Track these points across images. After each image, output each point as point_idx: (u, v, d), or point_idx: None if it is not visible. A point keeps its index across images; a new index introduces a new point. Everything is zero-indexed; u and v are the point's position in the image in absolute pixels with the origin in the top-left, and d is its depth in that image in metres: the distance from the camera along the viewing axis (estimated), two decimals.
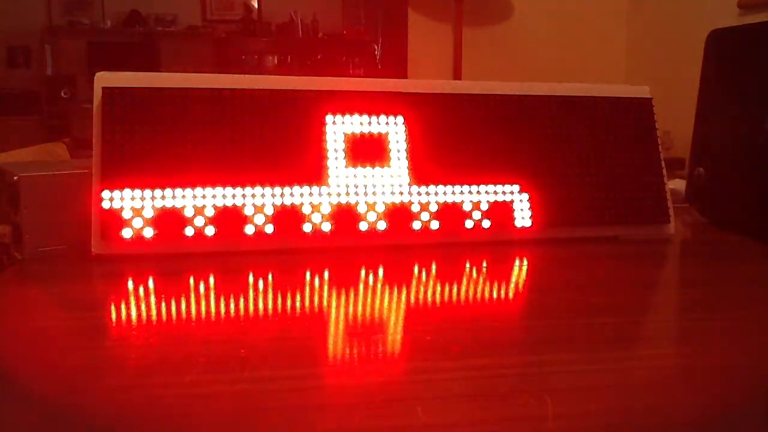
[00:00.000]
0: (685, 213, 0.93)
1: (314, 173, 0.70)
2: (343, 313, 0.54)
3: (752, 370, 0.44)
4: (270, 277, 0.63)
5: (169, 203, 0.66)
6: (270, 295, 0.58)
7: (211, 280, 0.61)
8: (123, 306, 0.55)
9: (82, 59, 4.70)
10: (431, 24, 2.41)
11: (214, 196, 0.67)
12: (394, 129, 0.73)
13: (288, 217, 0.68)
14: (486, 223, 0.73)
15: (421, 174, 0.72)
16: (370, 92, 0.74)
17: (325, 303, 0.56)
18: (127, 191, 0.65)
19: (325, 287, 0.61)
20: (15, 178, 0.64)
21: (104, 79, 0.68)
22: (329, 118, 0.72)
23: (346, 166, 0.71)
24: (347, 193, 0.70)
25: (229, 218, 0.67)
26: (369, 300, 0.57)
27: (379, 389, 0.39)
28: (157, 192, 0.66)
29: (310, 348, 0.46)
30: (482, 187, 0.74)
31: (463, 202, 0.73)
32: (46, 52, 4.66)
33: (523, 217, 0.75)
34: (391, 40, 2.64)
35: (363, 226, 0.70)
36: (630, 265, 0.71)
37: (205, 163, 0.67)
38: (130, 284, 0.59)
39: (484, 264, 0.69)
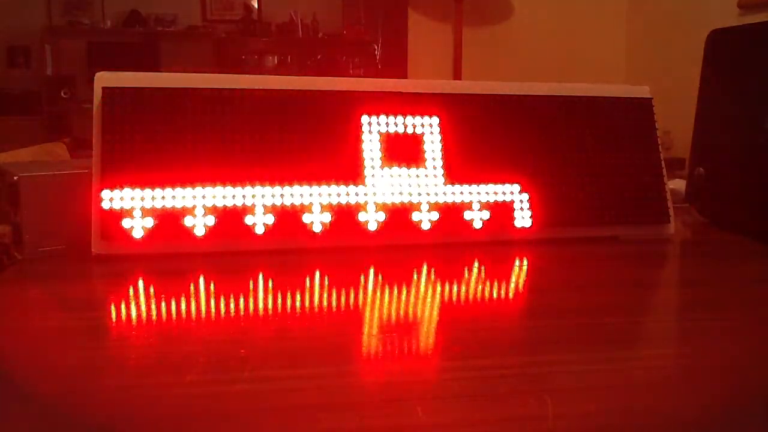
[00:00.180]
0: (685, 213, 0.93)
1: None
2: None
3: (752, 370, 0.44)
4: (270, 279, 0.63)
5: (169, 203, 0.66)
6: (270, 295, 0.58)
7: (211, 280, 0.61)
8: (123, 306, 0.55)
9: (82, 59, 4.69)
10: (431, 24, 2.42)
11: (214, 196, 0.67)
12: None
13: (288, 216, 0.68)
14: (486, 224, 0.73)
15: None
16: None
17: (325, 303, 0.56)
18: (127, 191, 0.65)
19: (325, 287, 0.60)
20: (15, 178, 0.64)
21: (104, 79, 0.68)
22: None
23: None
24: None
25: (230, 218, 0.67)
26: (369, 300, 0.57)
27: (379, 389, 0.39)
28: (157, 192, 0.66)
29: (310, 348, 0.46)
30: (482, 187, 0.74)
31: (462, 202, 0.73)
32: (46, 52, 4.66)
33: (523, 217, 0.75)
34: (391, 40, 2.64)
35: (363, 226, 0.70)
36: (630, 265, 0.71)
37: (205, 163, 0.67)
38: (130, 284, 0.59)
39: (484, 264, 0.69)
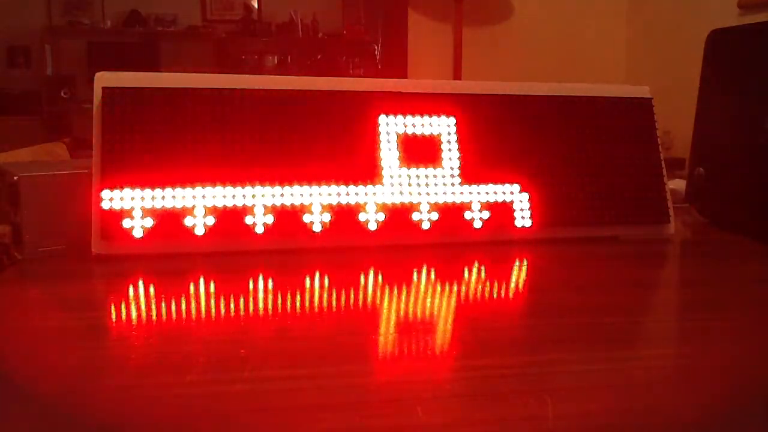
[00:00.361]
0: (685, 213, 0.93)
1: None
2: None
3: (752, 370, 0.44)
4: (270, 279, 0.63)
5: (169, 203, 0.66)
6: (270, 295, 0.58)
7: (211, 280, 0.61)
8: (123, 306, 0.55)
9: (82, 59, 4.69)
10: (431, 24, 2.42)
11: (214, 196, 0.67)
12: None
13: (287, 216, 0.68)
14: (486, 224, 0.73)
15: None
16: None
17: (325, 303, 0.56)
18: (127, 191, 0.65)
19: (325, 287, 0.61)
20: (15, 178, 0.64)
21: (104, 79, 0.68)
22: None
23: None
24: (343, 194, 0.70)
25: (230, 218, 0.67)
26: (369, 300, 0.57)
27: (379, 389, 0.39)
28: (157, 192, 0.66)
29: (310, 348, 0.46)
30: (482, 187, 0.74)
31: (462, 202, 0.73)
32: (46, 52, 4.66)
33: (523, 217, 0.75)
34: (391, 40, 2.64)
35: (363, 226, 0.70)
36: (630, 265, 0.71)
37: (205, 163, 0.67)
38: (130, 284, 0.59)
39: (484, 264, 0.69)
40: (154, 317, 0.51)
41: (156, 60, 4.81)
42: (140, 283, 0.60)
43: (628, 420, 0.36)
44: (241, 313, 0.53)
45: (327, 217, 0.69)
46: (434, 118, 0.74)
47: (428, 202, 0.72)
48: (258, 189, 0.68)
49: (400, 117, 0.73)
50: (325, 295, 0.58)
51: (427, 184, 0.73)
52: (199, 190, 0.67)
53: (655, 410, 0.37)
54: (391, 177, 0.72)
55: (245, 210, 0.67)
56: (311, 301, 0.56)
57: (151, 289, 0.58)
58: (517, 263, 0.70)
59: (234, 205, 0.67)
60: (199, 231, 0.66)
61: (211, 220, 0.66)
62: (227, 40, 4.95)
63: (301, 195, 0.69)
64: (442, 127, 0.74)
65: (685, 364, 0.46)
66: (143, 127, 0.67)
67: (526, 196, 0.75)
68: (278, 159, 0.69)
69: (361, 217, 0.70)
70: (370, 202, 0.71)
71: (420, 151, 0.73)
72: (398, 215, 0.71)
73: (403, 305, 0.56)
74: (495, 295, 0.59)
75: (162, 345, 0.46)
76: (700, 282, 0.66)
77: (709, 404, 0.39)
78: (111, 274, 0.63)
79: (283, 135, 0.70)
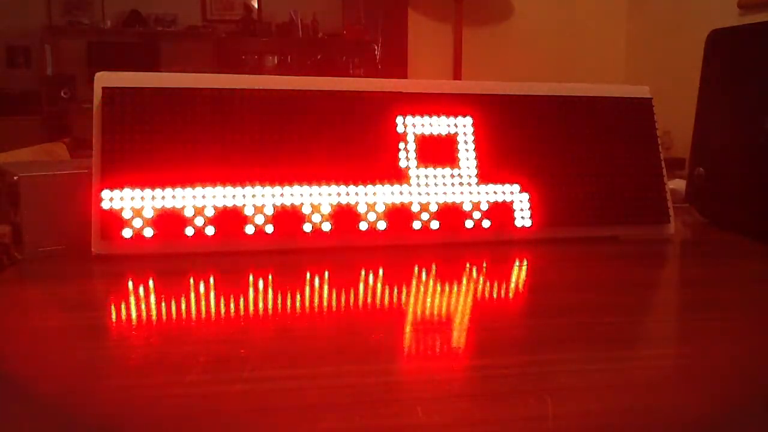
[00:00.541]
0: (685, 213, 0.93)
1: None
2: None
3: (752, 370, 0.44)
4: (270, 279, 0.63)
5: (169, 203, 0.66)
6: (270, 295, 0.58)
7: (211, 280, 0.61)
8: (123, 306, 0.55)
9: (82, 59, 4.69)
10: (431, 24, 2.42)
11: (214, 196, 0.67)
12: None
13: (288, 216, 0.68)
14: (486, 223, 0.74)
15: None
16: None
17: (325, 303, 0.56)
18: (127, 191, 0.65)
19: (325, 287, 0.61)
20: (15, 178, 0.64)
21: (104, 79, 0.68)
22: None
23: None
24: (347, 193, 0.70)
25: (230, 218, 0.67)
26: (369, 300, 0.58)
27: (379, 389, 0.39)
28: (157, 192, 0.66)
29: (310, 348, 0.46)
30: (482, 187, 0.74)
31: (463, 202, 0.73)
32: (46, 52, 4.66)
33: (523, 217, 0.75)
34: (391, 40, 2.64)
35: (363, 226, 0.70)
36: (630, 265, 0.71)
37: (205, 163, 0.67)
38: (130, 284, 0.59)
39: (484, 264, 0.69)
40: (154, 317, 0.51)
41: (156, 60, 4.81)
42: (140, 283, 0.60)
43: (628, 420, 0.36)
44: (241, 313, 0.53)
45: (327, 217, 0.69)
46: (443, 118, 0.74)
47: (437, 203, 0.72)
48: (258, 189, 0.68)
49: (409, 117, 0.73)
50: (325, 295, 0.58)
51: (435, 184, 0.73)
52: (199, 190, 0.67)
53: (656, 410, 0.37)
54: (401, 177, 0.72)
55: (245, 210, 0.67)
56: (311, 301, 0.56)
57: (151, 289, 0.58)
58: (517, 263, 0.70)
59: (234, 205, 0.67)
60: (199, 231, 0.66)
61: (211, 220, 0.66)
62: (227, 40, 4.95)
63: (302, 195, 0.69)
64: (442, 127, 0.74)
65: (685, 364, 0.46)
66: (143, 127, 0.67)
67: (526, 196, 0.75)
68: (280, 159, 0.69)
69: (361, 217, 0.70)
70: (371, 202, 0.70)
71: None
72: (398, 216, 0.71)
73: (403, 306, 0.56)
74: (495, 295, 0.59)
75: (162, 345, 0.46)
76: (700, 282, 0.66)
77: (710, 404, 0.39)
78: (111, 274, 0.63)
79: (282, 135, 0.70)
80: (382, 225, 0.70)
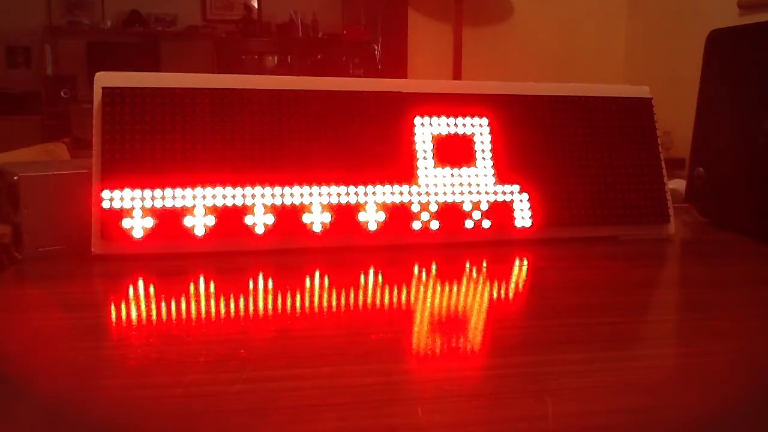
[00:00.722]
0: (685, 213, 0.93)
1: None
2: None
3: (752, 370, 0.44)
4: (270, 279, 0.63)
5: (169, 203, 0.66)
6: (270, 295, 0.58)
7: (211, 280, 0.61)
8: (123, 306, 0.55)
9: (82, 59, 4.70)
10: (431, 24, 2.42)
11: (214, 196, 0.67)
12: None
13: (288, 216, 0.68)
14: (486, 223, 0.73)
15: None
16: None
17: (325, 303, 0.56)
18: (127, 191, 0.65)
19: (326, 287, 0.61)
20: (15, 178, 0.64)
21: (104, 79, 0.68)
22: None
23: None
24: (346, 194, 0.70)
25: (229, 218, 0.67)
26: (369, 300, 0.58)
27: (379, 389, 0.39)
28: (157, 192, 0.66)
29: (310, 348, 0.46)
30: (482, 187, 0.74)
31: (463, 202, 0.73)
32: (46, 52, 4.66)
33: (523, 217, 0.75)
34: (391, 40, 2.64)
35: (362, 226, 0.70)
36: (630, 265, 0.71)
37: (205, 163, 0.67)
38: (130, 284, 0.59)
39: (484, 264, 0.69)
40: (154, 317, 0.51)
41: (156, 60, 4.82)
42: (140, 283, 0.60)
43: (628, 420, 0.36)
44: (241, 313, 0.53)
45: (327, 217, 0.69)
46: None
47: (437, 203, 0.72)
48: (258, 189, 0.68)
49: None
50: (325, 295, 0.58)
51: (435, 185, 0.72)
52: (199, 190, 0.67)
53: (655, 410, 0.37)
54: (400, 177, 0.72)
55: (245, 210, 0.67)
56: (311, 301, 0.56)
57: (151, 289, 0.58)
58: (517, 263, 0.70)
59: (234, 204, 0.67)
60: (199, 231, 0.66)
61: (211, 220, 0.66)
62: (227, 40, 4.95)
63: (302, 195, 0.69)
64: (451, 126, 0.74)
65: (686, 364, 0.46)
66: (143, 127, 0.67)
67: (526, 196, 0.75)
68: (280, 159, 0.69)
69: (361, 217, 0.70)
70: (370, 202, 0.71)
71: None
72: (397, 216, 0.71)
73: (403, 306, 0.56)
74: (495, 296, 0.59)
75: (162, 345, 0.46)
76: (700, 282, 0.66)
77: (710, 404, 0.39)
78: (111, 274, 0.63)
79: (282, 135, 0.70)
80: (382, 225, 0.70)
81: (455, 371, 0.43)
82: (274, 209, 0.68)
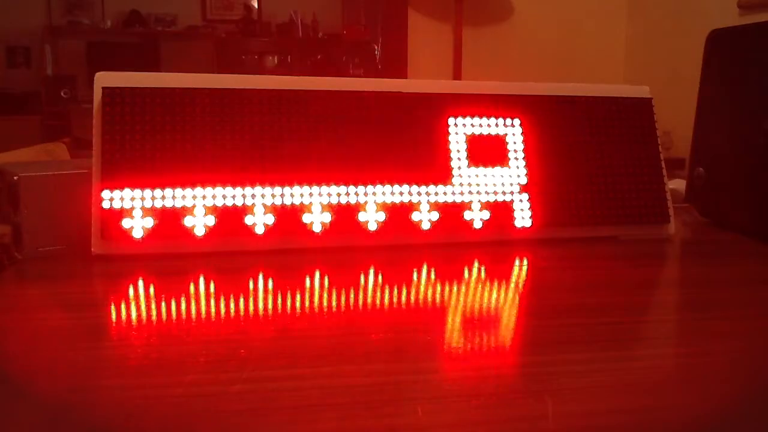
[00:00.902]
0: (685, 213, 0.93)
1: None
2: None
3: (752, 370, 0.44)
4: (270, 279, 0.63)
5: (169, 203, 0.66)
6: (270, 295, 0.58)
7: (211, 280, 0.61)
8: (123, 306, 0.55)
9: (82, 59, 4.70)
10: (431, 24, 2.42)
11: (214, 196, 0.67)
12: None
13: (288, 216, 0.68)
14: (486, 223, 0.73)
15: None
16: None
17: (325, 303, 0.56)
18: (127, 191, 0.65)
19: (326, 287, 0.61)
20: (15, 178, 0.64)
21: (104, 79, 0.68)
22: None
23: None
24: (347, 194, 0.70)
25: (229, 218, 0.67)
26: (369, 300, 0.58)
27: (379, 389, 0.39)
28: (157, 192, 0.66)
29: (310, 348, 0.46)
30: (482, 187, 0.74)
31: (463, 202, 0.73)
32: (46, 52, 4.66)
33: (523, 217, 0.75)
34: (391, 40, 2.64)
35: (363, 226, 0.70)
36: (630, 265, 0.71)
37: (205, 163, 0.67)
38: (130, 284, 0.59)
39: (484, 264, 0.69)
40: (154, 317, 0.51)
41: (156, 60, 4.82)
42: (140, 283, 0.60)
43: (628, 420, 0.36)
44: (241, 313, 0.53)
45: (327, 217, 0.69)
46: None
47: (428, 202, 0.72)
48: (258, 189, 0.68)
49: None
50: (325, 295, 0.58)
51: (435, 185, 0.73)
52: (199, 190, 0.67)
53: (656, 410, 0.37)
54: (401, 177, 0.72)
55: (245, 210, 0.67)
56: (311, 301, 0.56)
57: (151, 289, 0.58)
58: (517, 263, 0.70)
59: (234, 204, 0.67)
60: (199, 231, 0.66)
61: (211, 220, 0.66)
62: (227, 40, 4.95)
63: (301, 195, 0.69)
64: (451, 127, 0.74)
65: (686, 363, 0.46)
66: (143, 127, 0.67)
67: (526, 196, 0.75)
68: (280, 159, 0.69)
69: (360, 217, 0.70)
70: (371, 201, 0.70)
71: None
72: (397, 216, 0.71)
73: (403, 306, 0.56)
74: (495, 296, 0.59)
75: (162, 345, 0.46)
76: (700, 282, 0.66)
77: (710, 404, 0.39)
78: (111, 274, 0.63)
79: (282, 135, 0.70)
80: (382, 225, 0.70)
81: (455, 371, 0.43)
82: (274, 209, 0.68)
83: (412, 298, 0.58)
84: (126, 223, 0.65)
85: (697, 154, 0.91)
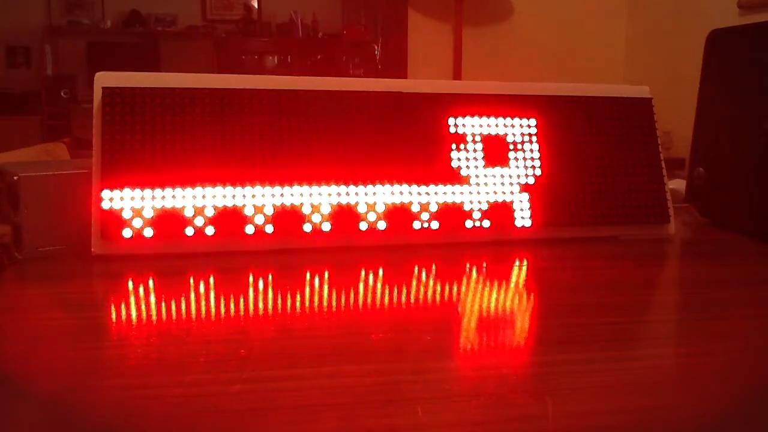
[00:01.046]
0: (685, 213, 0.93)
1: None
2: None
3: (752, 370, 0.44)
4: (270, 279, 0.63)
5: (169, 203, 0.66)
6: (270, 295, 0.58)
7: (211, 280, 0.61)
8: (123, 306, 0.55)
9: (82, 59, 4.70)
10: (431, 24, 2.41)
11: (214, 196, 0.67)
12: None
13: (288, 216, 0.68)
14: (486, 223, 0.73)
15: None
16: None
17: (325, 302, 0.56)
18: (127, 191, 0.65)
19: (325, 287, 0.61)
20: (15, 178, 0.64)
21: (104, 79, 0.68)
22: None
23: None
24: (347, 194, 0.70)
25: (229, 218, 0.67)
26: (369, 300, 0.58)
27: (379, 389, 0.39)
28: (157, 192, 0.66)
29: (310, 348, 0.46)
30: (482, 187, 0.74)
31: (463, 202, 0.73)
32: (46, 52, 4.66)
33: (523, 217, 0.75)
34: (391, 40, 2.64)
35: (363, 226, 0.70)
36: (630, 265, 0.71)
37: (205, 163, 0.67)
38: (130, 284, 0.59)
39: (484, 264, 0.69)
40: (154, 317, 0.51)
41: (156, 60, 4.82)
42: (140, 283, 0.60)
43: (628, 420, 0.36)
44: (241, 313, 0.53)
45: (328, 218, 0.69)
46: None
47: (429, 202, 0.72)
48: (258, 189, 0.68)
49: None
50: (325, 295, 0.58)
51: (435, 185, 0.72)
52: (199, 190, 0.67)
53: (656, 410, 0.37)
54: (400, 177, 0.72)
55: (245, 210, 0.67)
56: (311, 301, 0.56)
57: (151, 289, 0.58)
58: (517, 263, 0.70)
59: (234, 204, 0.67)
60: (199, 231, 0.66)
61: (211, 220, 0.66)
62: (227, 40, 4.95)
63: (302, 195, 0.69)
64: (451, 127, 0.74)
65: (686, 364, 0.46)
66: (143, 127, 0.67)
67: (526, 196, 0.75)
68: (280, 159, 0.69)
69: (362, 217, 0.70)
70: (371, 202, 0.70)
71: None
72: (397, 216, 0.71)
73: (403, 306, 0.56)
74: (495, 296, 0.59)
75: (162, 345, 0.46)
76: (700, 282, 0.66)
77: (710, 404, 0.39)
78: (111, 274, 0.63)
79: (282, 135, 0.70)
80: (382, 225, 0.70)
81: (455, 371, 0.43)
82: (274, 209, 0.68)
83: (412, 298, 0.58)
84: (126, 223, 0.65)
85: (697, 154, 0.91)
